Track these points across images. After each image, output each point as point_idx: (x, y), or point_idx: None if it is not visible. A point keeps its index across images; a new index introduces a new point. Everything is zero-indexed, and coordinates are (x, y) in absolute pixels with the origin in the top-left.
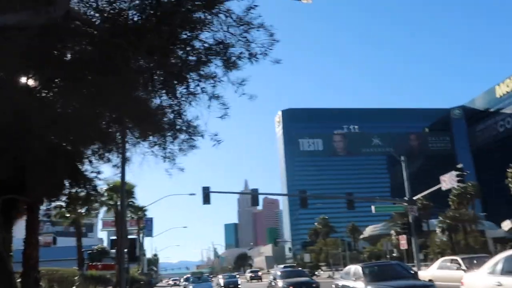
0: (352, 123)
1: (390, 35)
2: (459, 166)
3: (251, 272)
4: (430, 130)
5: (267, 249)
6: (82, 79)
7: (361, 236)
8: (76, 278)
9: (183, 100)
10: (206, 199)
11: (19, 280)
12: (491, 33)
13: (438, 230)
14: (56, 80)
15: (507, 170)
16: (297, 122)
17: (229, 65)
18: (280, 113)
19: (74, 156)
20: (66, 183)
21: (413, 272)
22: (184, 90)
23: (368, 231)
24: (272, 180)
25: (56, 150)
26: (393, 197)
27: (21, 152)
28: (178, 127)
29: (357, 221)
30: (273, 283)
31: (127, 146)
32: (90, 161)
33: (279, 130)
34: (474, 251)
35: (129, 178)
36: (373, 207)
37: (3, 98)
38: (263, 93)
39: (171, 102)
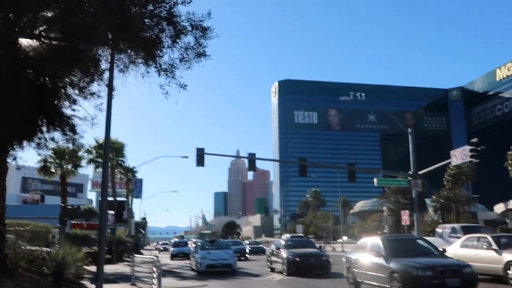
0: (349, 97)
1: (391, 13)
2: (474, 140)
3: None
4: (427, 110)
5: (256, 219)
6: None
7: (351, 211)
8: (51, 235)
9: None
10: (200, 161)
11: None
12: (496, 14)
13: (430, 209)
14: None
15: (508, 153)
16: (294, 94)
17: None
18: (276, 83)
19: (49, 90)
20: (41, 124)
21: (441, 250)
22: None
23: (359, 206)
24: (265, 151)
25: (26, 82)
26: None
27: None
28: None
29: (347, 196)
30: (275, 253)
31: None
32: (68, 96)
33: (274, 100)
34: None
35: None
36: (375, 180)
37: None
38: (261, 62)
39: None
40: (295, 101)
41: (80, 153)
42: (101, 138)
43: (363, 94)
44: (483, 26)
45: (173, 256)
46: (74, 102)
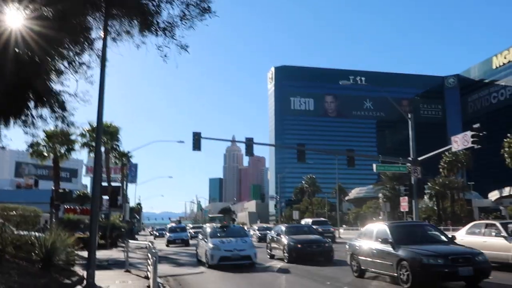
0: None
1: (388, 0)
2: (476, 126)
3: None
4: (422, 97)
5: (251, 205)
6: None
7: (346, 198)
8: (43, 219)
9: None
10: (196, 145)
11: None
12: (493, 1)
13: (426, 196)
14: None
15: (504, 140)
16: (290, 80)
17: None
18: (273, 69)
19: (36, 63)
20: (28, 100)
21: (450, 236)
22: None
23: (354, 193)
24: (261, 137)
25: (10, 54)
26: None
27: None
28: None
29: (342, 183)
30: (275, 239)
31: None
32: (57, 69)
33: (271, 86)
34: (459, 219)
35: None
36: (374, 165)
37: None
38: (258, 47)
39: None
40: (292, 87)
41: (73, 137)
42: (95, 121)
43: (363, 78)
44: (479, 13)
45: (170, 243)
46: (61, 73)
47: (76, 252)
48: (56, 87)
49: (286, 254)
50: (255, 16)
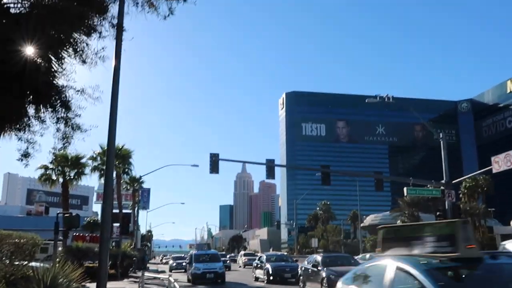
0: (358, 109)
1: (399, 26)
2: None
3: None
4: (436, 122)
5: (262, 232)
6: None
7: (361, 225)
8: (49, 246)
9: None
10: (214, 167)
11: None
12: (505, 26)
13: None
14: None
15: None
16: (301, 106)
17: None
18: (284, 95)
19: (36, 59)
20: (24, 98)
21: None
22: None
23: (369, 220)
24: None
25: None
26: (393, 188)
27: None
28: None
29: (356, 210)
30: (310, 272)
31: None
32: (60, 59)
33: (282, 112)
34: (482, 247)
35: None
36: (405, 189)
37: None
38: (269, 74)
39: None
40: (303, 113)
41: (83, 160)
42: (106, 142)
43: (391, 96)
44: (493, 38)
45: (196, 278)
46: (60, 59)
47: (83, 285)
48: (59, 81)
49: None
50: (265, 44)
